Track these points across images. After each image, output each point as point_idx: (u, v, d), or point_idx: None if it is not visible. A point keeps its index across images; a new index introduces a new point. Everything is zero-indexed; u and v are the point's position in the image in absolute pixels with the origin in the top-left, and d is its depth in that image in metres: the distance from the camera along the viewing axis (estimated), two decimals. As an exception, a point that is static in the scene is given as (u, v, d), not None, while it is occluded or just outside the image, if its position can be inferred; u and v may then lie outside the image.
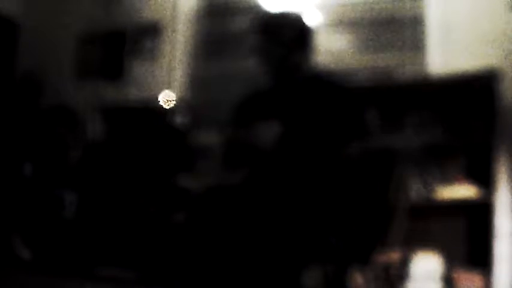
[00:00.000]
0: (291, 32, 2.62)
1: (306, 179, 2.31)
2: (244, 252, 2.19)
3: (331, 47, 4.02)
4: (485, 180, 3.34)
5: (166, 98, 4.23)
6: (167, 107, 4.15)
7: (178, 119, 4.12)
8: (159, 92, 4.28)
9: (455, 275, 3.38)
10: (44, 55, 4.78)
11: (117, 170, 4.22)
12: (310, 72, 2.71)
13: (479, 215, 3.42)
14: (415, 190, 3.45)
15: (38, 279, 3.82)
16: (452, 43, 3.71)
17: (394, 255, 3.10)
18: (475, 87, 3.41)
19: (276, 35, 2.61)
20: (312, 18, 3.52)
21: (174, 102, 4.26)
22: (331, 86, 2.64)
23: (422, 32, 3.81)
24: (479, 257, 3.37)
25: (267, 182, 2.32)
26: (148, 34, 4.51)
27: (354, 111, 2.54)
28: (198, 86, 4.37)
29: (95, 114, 4.28)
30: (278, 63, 2.62)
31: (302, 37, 2.67)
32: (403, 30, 3.87)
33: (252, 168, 2.38)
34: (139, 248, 3.96)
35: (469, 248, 3.51)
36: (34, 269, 4.08)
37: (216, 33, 4.39)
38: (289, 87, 2.62)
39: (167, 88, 4.33)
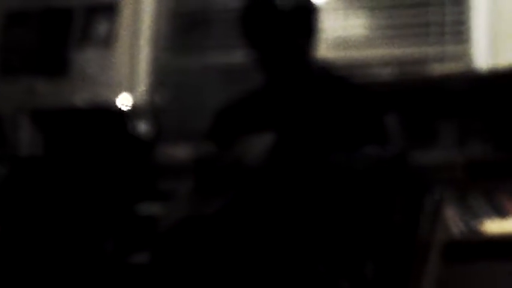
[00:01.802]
0: (290, 13, 2.56)
1: (306, 205, 2.25)
2: None
3: (343, 33, 3.99)
4: None
5: (125, 99, 4.17)
6: (126, 111, 4.10)
7: (141, 127, 4.06)
8: (115, 92, 4.24)
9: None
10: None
11: (56, 193, 4.15)
12: (315, 65, 2.65)
13: None
14: (455, 222, 3.41)
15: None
16: (504, 28, 3.67)
17: None
18: None
19: (271, 17, 2.54)
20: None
21: (135, 104, 4.21)
22: (342, 84, 2.61)
23: (465, 14, 3.80)
24: None
25: (255, 209, 2.26)
26: (101, 14, 4.47)
27: (371, 116, 2.47)
28: (167, 84, 4.32)
29: (27, 120, 4.21)
30: (273, 54, 2.57)
31: (305, 19, 2.61)
32: (439, 11, 3.85)
33: (236, 192, 2.32)
34: None
35: None
36: None
37: (191, 15, 4.36)
38: (287, 85, 2.58)
39: (126, 86, 4.29)
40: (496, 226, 3.43)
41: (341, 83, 2.58)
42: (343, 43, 3.97)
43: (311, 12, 2.62)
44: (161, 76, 4.34)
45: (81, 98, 4.23)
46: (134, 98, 4.26)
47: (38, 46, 4.63)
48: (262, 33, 2.53)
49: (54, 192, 4.23)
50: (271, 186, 2.27)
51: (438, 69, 3.69)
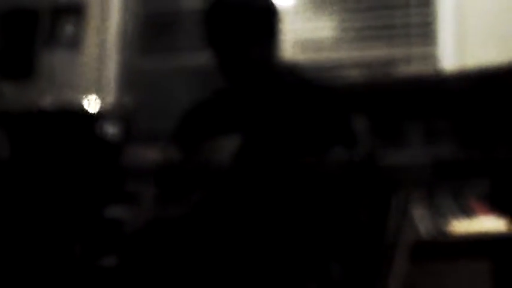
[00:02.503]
0: (254, 15, 2.54)
1: (273, 208, 2.24)
2: None
3: (312, 35, 3.99)
4: None
5: (92, 102, 4.15)
6: (93, 113, 4.07)
7: (108, 129, 4.03)
8: (82, 94, 4.21)
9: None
10: None
11: (23, 196, 4.12)
12: (280, 67, 2.63)
13: (508, 254, 3.40)
14: (422, 222, 3.42)
15: None
16: (470, 29, 3.72)
17: None
18: (501, 85, 3.38)
19: (235, 19, 2.53)
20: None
21: (103, 106, 4.18)
22: (307, 86, 2.59)
23: (431, 16, 3.84)
24: None
25: (222, 212, 2.25)
26: (67, 16, 4.45)
27: (338, 118, 2.46)
28: (135, 85, 4.31)
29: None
30: (238, 56, 2.55)
31: (270, 22, 2.60)
32: (405, 13, 3.88)
33: (204, 194, 2.31)
34: None
35: None
36: None
37: (158, 16, 4.35)
38: (253, 87, 2.55)
39: (93, 88, 4.26)
40: (463, 226, 3.44)
41: (307, 85, 2.56)
42: (312, 45, 3.97)
43: (272, 14, 2.61)
44: (129, 78, 4.32)
45: (47, 100, 4.19)
46: (102, 100, 4.23)
47: (3, 48, 4.60)
48: (223, 36, 2.52)
49: (21, 195, 4.21)
50: (238, 188, 2.25)
51: (405, 70, 3.70)
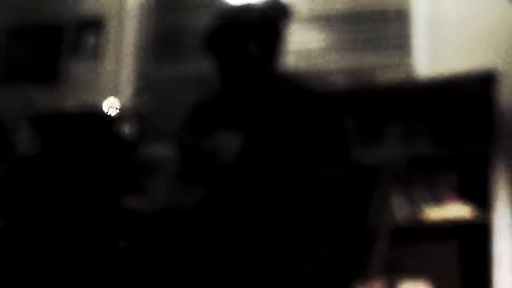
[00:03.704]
0: (254, 28, 2.50)
1: (271, 198, 2.23)
2: (200, 285, 2.08)
3: (303, 46, 3.97)
4: (482, 198, 3.34)
5: (111, 104, 4.12)
6: (111, 115, 4.05)
7: (125, 129, 4.01)
8: (102, 97, 4.18)
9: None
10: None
11: (52, 189, 4.10)
12: (278, 74, 2.58)
13: (474, 238, 3.44)
14: (399, 210, 3.42)
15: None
16: (441, 41, 3.73)
17: (376, 286, 3.04)
18: (469, 90, 3.40)
19: (237, 31, 2.49)
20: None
21: (120, 108, 4.16)
22: (302, 91, 2.56)
23: (408, 29, 3.84)
24: None
25: (226, 202, 2.22)
26: (89, 29, 4.43)
27: (329, 120, 2.42)
28: (148, 90, 4.29)
29: (26, 124, 4.15)
30: (240, 65, 2.50)
31: (268, 34, 2.55)
32: (385, 26, 3.89)
33: (210, 186, 2.27)
34: (77, 282, 3.84)
35: (463, 277, 3.50)
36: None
37: (169, 30, 4.36)
38: (253, 92, 2.51)
39: (111, 93, 4.24)
40: (434, 213, 3.44)
41: (303, 90, 2.54)
42: (303, 55, 3.95)
43: (276, 31, 2.56)
44: (143, 83, 4.31)
45: (72, 103, 4.19)
46: (119, 103, 4.23)
47: (34, 58, 4.58)
48: (231, 49, 2.48)
49: (50, 188, 4.20)
50: (241, 181, 2.23)
51: (385, 77, 3.68)
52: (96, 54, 4.43)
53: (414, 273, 3.47)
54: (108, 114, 4.15)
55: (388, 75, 3.71)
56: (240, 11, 2.57)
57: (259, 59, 2.47)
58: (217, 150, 2.30)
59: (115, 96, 4.28)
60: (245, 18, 2.50)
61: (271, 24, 2.53)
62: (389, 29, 3.86)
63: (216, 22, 2.54)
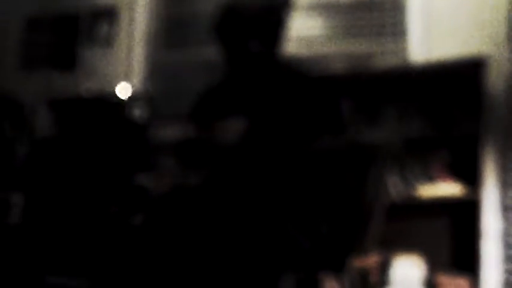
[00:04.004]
0: (257, 17, 2.52)
1: (273, 177, 2.24)
2: (208, 258, 2.12)
3: (302, 33, 3.99)
4: (471, 176, 3.36)
5: (123, 89, 4.15)
6: (124, 99, 4.08)
7: (136, 112, 4.04)
8: (115, 82, 4.21)
9: (438, 280, 3.37)
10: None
11: (68, 168, 4.14)
12: (279, 60, 2.58)
13: (464, 214, 3.44)
14: (394, 188, 3.44)
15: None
16: (434, 28, 3.70)
17: (372, 260, 3.08)
18: (460, 75, 3.40)
19: (241, 20, 2.50)
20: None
21: (132, 93, 4.19)
22: (302, 75, 2.55)
23: (403, 16, 3.81)
24: (465, 260, 3.38)
25: (231, 181, 2.25)
26: (103, 18, 4.45)
27: (328, 102, 2.45)
28: (158, 76, 4.31)
29: (44, 107, 4.19)
30: (243, 51, 2.51)
31: (272, 23, 2.57)
32: (381, 15, 3.87)
33: (215, 166, 2.31)
34: (94, 254, 3.89)
35: (454, 250, 3.52)
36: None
37: (177, 18, 4.34)
38: (256, 77, 2.50)
39: (124, 78, 4.27)
40: (427, 190, 3.46)
41: (303, 75, 2.56)
42: (304, 42, 3.97)
43: (279, 18, 2.57)
44: (153, 69, 4.34)
45: (87, 88, 4.22)
46: (131, 87, 4.25)
47: (52, 46, 4.61)
48: (235, 36, 2.50)
49: (68, 167, 4.25)
50: (244, 160, 2.26)
51: (381, 62, 3.69)
52: (109, 41, 4.45)
53: (407, 248, 3.52)
54: (120, 97, 4.19)
55: (385, 60, 3.74)
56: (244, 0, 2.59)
57: (262, 46, 2.50)
58: (223, 135, 2.32)
59: (127, 81, 4.33)
60: (249, 7, 2.52)
61: (274, 13, 2.56)
62: (386, 17, 3.88)
63: (221, 10, 2.53)
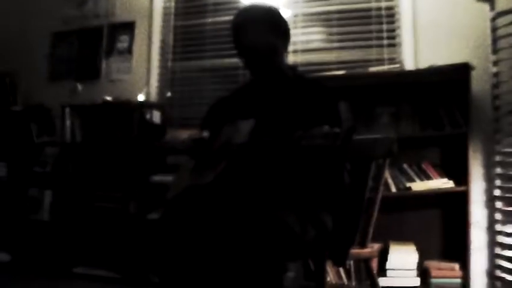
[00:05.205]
0: (266, 27, 2.50)
1: (278, 173, 2.22)
2: (223, 252, 2.10)
3: (305, 42, 4.05)
4: (461, 171, 3.33)
5: (142, 95, 4.17)
6: (142, 104, 4.10)
7: (154, 116, 4.07)
8: (134, 90, 4.24)
9: (431, 265, 3.37)
10: (18, 54, 4.70)
11: (93, 167, 4.16)
12: (286, 68, 2.58)
13: (454, 205, 3.43)
14: (391, 182, 3.44)
15: (18, 281, 3.75)
16: (424, 38, 3.75)
17: (372, 249, 3.08)
18: (448, 80, 3.42)
19: (250, 30, 2.48)
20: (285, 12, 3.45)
21: (150, 99, 4.22)
22: (306, 81, 2.54)
23: (397, 27, 3.83)
24: (455, 246, 3.40)
25: (242, 178, 2.22)
26: (123, 31, 4.48)
27: (328, 104, 2.44)
28: (173, 83, 4.40)
29: (71, 112, 4.21)
30: (258, 62, 2.48)
31: (279, 32, 2.55)
32: (378, 26, 3.88)
33: (227, 164, 2.28)
34: (118, 248, 3.90)
35: (444, 238, 3.53)
36: (13, 271, 4.00)
37: (191, 30, 4.39)
38: (266, 83, 2.44)
39: (142, 85, 4.29)
40: (421, 185, 3.46)
41: (305, 81, 2.55)
42: (306, 49, 3.99)
43: (284, 29, 2.55)
44: (169, 77, 4.40)
45: (109, 95, 4.26)
46: (148, 94, 4.33)
47: (77, 57, 4.64)
48: (251, 46, 2.47)
49: (92, 166, 4.26)
50: (253, 158, 2.24)
51: (377, 68, 3.69)
52: (128, 52, 4.48)
53: (402, 237, 3.53)
54: (139, 103, 4.21)
55: (380, 66, 3.71)
56: (255, 12, 2.58)
57: (270, 56, 2.50)
58: (233, 135, 2.30)
59: (144, 88, 4.35)
60: (258, 20, 2.50)
61: (281, 26, 2.53)
62: (382, 27, 3.89)
63: (234, 22, 2.53)
